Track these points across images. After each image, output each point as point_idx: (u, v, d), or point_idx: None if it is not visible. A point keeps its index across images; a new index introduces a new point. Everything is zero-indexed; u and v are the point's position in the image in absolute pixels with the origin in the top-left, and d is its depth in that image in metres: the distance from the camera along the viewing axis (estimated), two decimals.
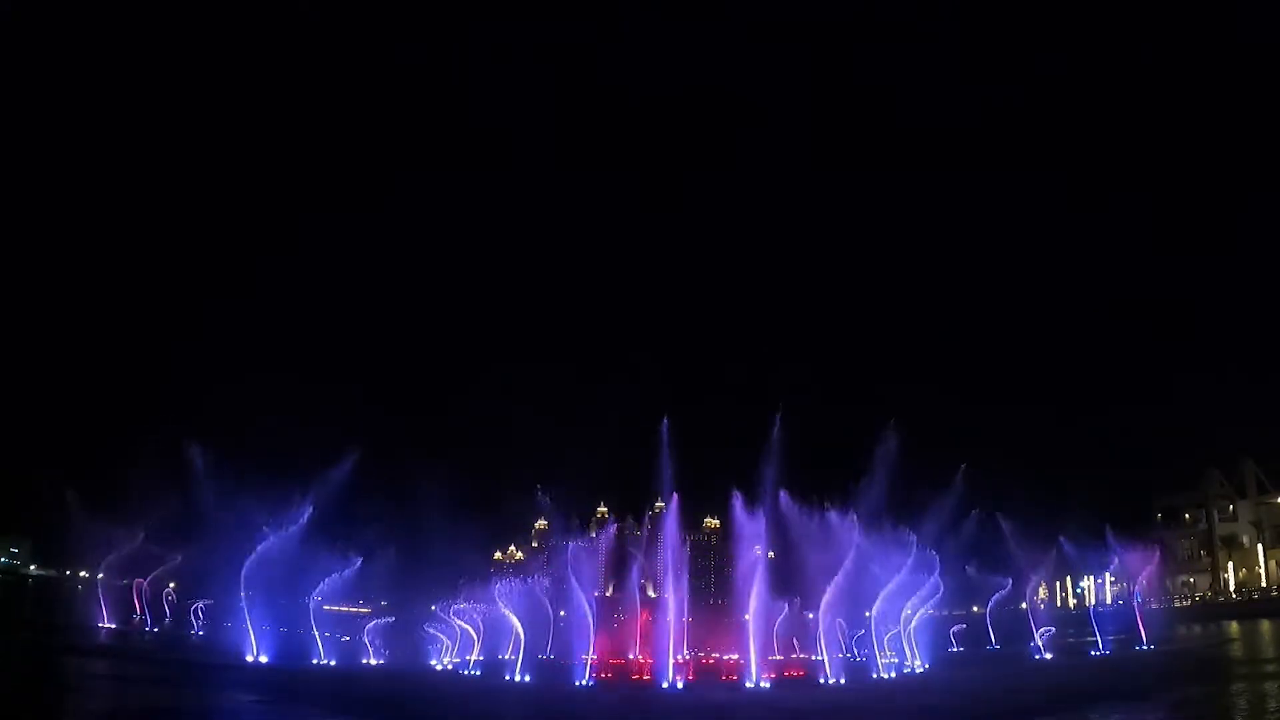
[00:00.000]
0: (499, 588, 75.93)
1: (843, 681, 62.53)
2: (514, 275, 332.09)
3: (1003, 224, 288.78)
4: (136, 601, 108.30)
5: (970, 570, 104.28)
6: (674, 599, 68.41)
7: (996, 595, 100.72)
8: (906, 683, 65.92)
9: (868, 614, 79.31)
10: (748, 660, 61.79)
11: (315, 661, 70.43)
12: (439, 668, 70.90)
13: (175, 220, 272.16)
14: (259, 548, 75.67)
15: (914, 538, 75.12)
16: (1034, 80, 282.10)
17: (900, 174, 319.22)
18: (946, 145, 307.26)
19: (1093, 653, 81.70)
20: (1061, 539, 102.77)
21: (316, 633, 73.67)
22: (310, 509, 76.16)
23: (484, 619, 76.46)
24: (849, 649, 77.77)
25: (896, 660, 73.57)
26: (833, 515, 78.76)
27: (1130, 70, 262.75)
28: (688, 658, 73.61)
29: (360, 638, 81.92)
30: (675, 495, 69.41)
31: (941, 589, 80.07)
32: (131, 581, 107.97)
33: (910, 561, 73.46)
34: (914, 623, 78.32)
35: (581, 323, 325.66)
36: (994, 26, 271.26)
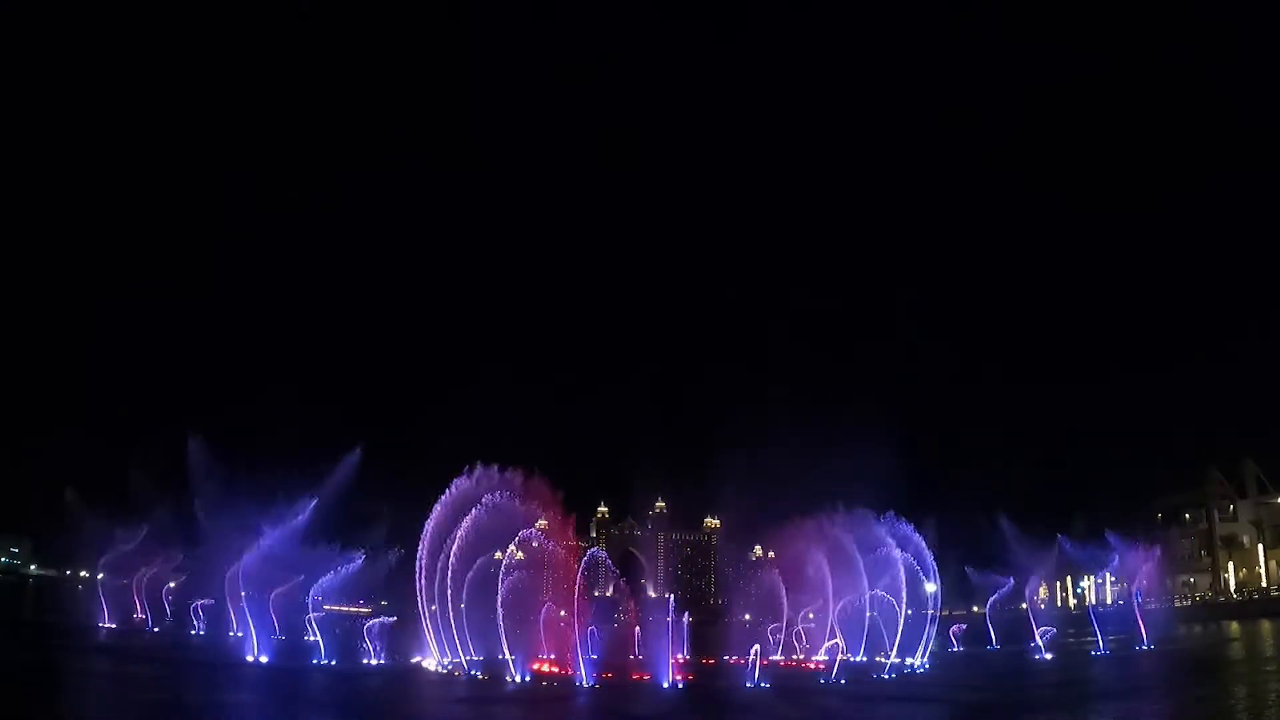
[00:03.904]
0: (498, 587, 75.71)
1: (843, 681, 62.48)
2: (509, 278, 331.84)
3: (1003, 226, 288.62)
4: (137, 601, 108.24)
5: (970, 570, 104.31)
6: (673, 599, 68.36)
7: (996, 595, 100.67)
8: (906, 682, 65.87)
9: (868, 615, 79.35)
10: (747, 660, 61.70)
11: (315, 661, 70.38)
12: (438, 668, 70.67)
13: (176, 222, 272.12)
14: (259, 546, 75.90)
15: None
16: (1031, 82, 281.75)
17: (899, 174, 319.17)
18: (943, 145, 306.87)
19: (1093, 653, 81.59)
20: (1061, 539, 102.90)
21: (316, 632, 73.65)
22: (310, 508, 76.40)
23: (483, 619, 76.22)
24: (849, 649, 77.73)
25: (897, 660, 73.49)
26: (834, 517, 78.84)
27: (1130, 71, 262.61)
28: (687, 658, 73.46)
29: (361, 637, 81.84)
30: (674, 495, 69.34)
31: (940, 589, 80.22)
32: (131, 581, 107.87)
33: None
34: (913, 622, 78.29)
35: (579, 323, 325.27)
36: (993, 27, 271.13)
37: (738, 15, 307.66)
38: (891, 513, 76.81)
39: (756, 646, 61.42)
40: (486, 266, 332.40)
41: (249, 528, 76.80)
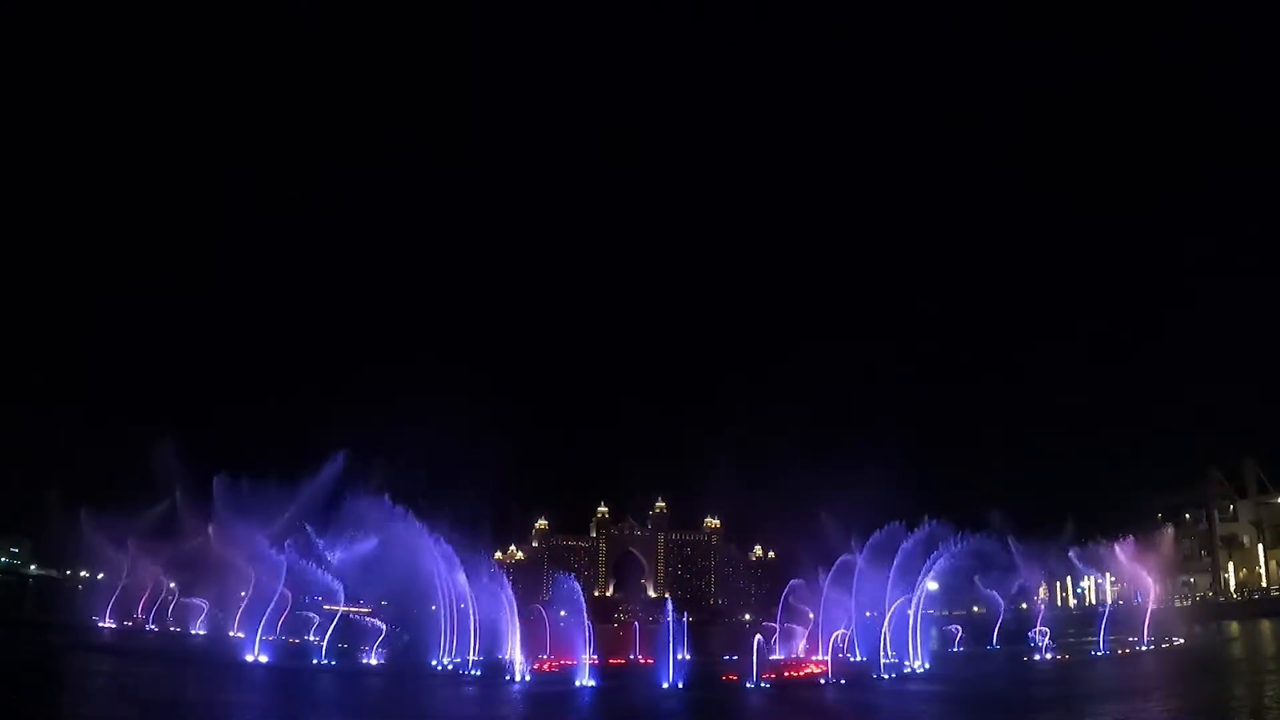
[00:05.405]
0: (498, 589, 75.70)
1: (844, 681, 62.42)
2: (509, 277, 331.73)
3: (1003, 226, 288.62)
4: (137, 601, 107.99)
5: (970, 570, 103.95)
6: (673, 599, 68.38)
7: (997, 595, 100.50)
8: (907, 682, 65.84)
9: (869, 614, 79.31)
10: (748, 660, 61.64)
11: (315, 661, 70.32)
12: (438, 668, 70.70)
13: (176, 222, 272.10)
14: (257, 546, 75.84)
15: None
16: (1031, 82, 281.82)
17: (899, 174, 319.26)
18: (943, 145, 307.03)
19: (1093, 653, 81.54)
20: (1061, 539, 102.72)
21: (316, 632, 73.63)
22: (310, 508, 76.37)
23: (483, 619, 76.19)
24: (850, 649, 77.67)
25: (897, 660, 73.42)
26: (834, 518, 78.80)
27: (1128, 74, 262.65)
28: (687, 658, 73.36)
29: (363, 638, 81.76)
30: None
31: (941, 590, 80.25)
32: (131, 581, 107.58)
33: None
34: (915, 623, 78.27)
35: (580, 324, 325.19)
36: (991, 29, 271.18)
37: (738, 16, 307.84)
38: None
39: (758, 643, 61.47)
40: (486, 266, 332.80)
41: (248, 527, 76.78)
